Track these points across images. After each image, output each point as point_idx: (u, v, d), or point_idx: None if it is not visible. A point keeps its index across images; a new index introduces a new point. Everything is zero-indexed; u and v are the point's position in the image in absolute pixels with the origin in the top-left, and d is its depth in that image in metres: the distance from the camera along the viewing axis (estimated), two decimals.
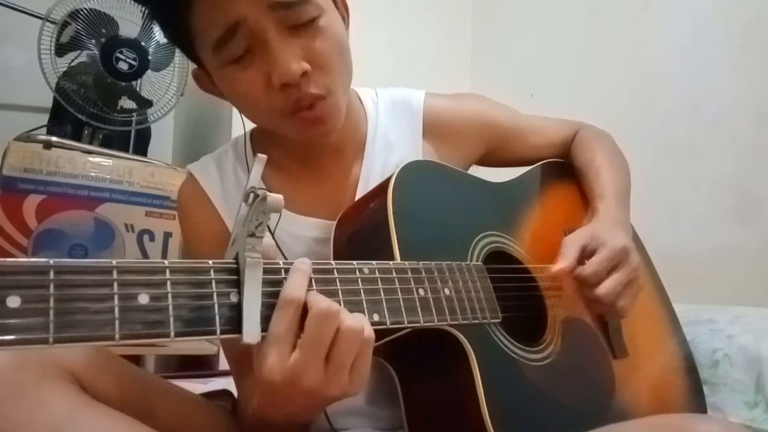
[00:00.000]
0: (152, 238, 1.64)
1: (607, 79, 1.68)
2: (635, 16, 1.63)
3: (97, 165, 1.61)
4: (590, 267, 0.73)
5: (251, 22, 0.65)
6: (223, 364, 1.53)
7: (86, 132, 1.78)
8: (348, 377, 0.52)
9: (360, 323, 0.52)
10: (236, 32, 0.65)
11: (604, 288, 0.73)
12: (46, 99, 1.84)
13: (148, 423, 0.61)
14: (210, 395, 0.82)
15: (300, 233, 0.78)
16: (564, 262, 0.73)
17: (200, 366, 1.64)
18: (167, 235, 1.66)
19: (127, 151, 1.82)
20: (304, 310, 0.50)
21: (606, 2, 1.73)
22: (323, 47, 0.68)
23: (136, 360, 1.50)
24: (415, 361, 0.67)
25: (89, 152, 1.63)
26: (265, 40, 0.66)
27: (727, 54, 1.40)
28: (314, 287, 0.52)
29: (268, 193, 0.48)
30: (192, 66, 0.79)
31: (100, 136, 1.80)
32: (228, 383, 0.85)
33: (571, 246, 0.75)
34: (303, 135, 0.73)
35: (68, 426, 0.55)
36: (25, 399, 0.55)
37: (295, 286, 0.50)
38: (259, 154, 0.51)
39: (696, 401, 0.92)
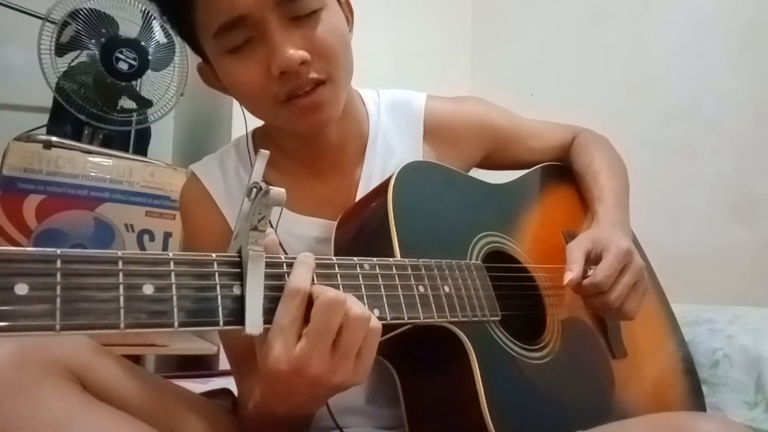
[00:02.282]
0: (152, 238, 1.64)
1: (607, 79, 1.68)
2: (635, 16, 1.63)
3: (97, 165, 1.61)
4: (600, 273, 0.72)
5: (255, 16, 0.66)
6: (223, 364, 1.53)
7: (86, 132, 1.78)
8: (353, 365, 0.53)
9: (367, 311, 0.52)
10: (239, 25, 0.66)
11: (616, 293, 0.72)
12: (46, 99, 1.84)
13: (149, 422, 0.61)
14: (210, 395, 0.82)
15: (301, 233, 0.78)
16: (573, 271, 0.72)
17: (200, 366, 1.64)
18: (167, 235, 1.66)
19: (127, 151, 1.82)
20: (309, 301, 0.51)
21: (606, 2, 1.73)
22: (324, 37, 0.69)
23: (137, 360, 1.50)
24: (415, 360, 0.67)
25: (89, 152, 1.63)
26: (266, 30, 0.66)
27: (727, 54, 1.40)
28: (316, 282, 0.53)
29: (270, 187, 0.48)
30: (193, 66, 0.79)
31: (100, 136, 1.80)
32: (228, 383, 0.85)
33: (576, 253, 0.74)
34: (299, 124, 0.73)
35: (67, 425, 0.56)
36: (25, 398, 0.55)
37: (300, 278, 0.51)
38: (262, 150, 0.52)
39: (695, 401, 0.92)
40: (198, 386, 1.05)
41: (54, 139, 1.59)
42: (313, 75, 0.68)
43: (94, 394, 0.60)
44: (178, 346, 1.62)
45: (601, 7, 1.74)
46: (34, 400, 0.55)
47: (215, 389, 0.85)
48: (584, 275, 0.73)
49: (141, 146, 1.95)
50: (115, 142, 1.82)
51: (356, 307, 0.52)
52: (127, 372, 0.67)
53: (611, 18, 1.71)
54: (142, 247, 1.63)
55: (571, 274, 0.72)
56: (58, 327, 0.40)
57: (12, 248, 0.40)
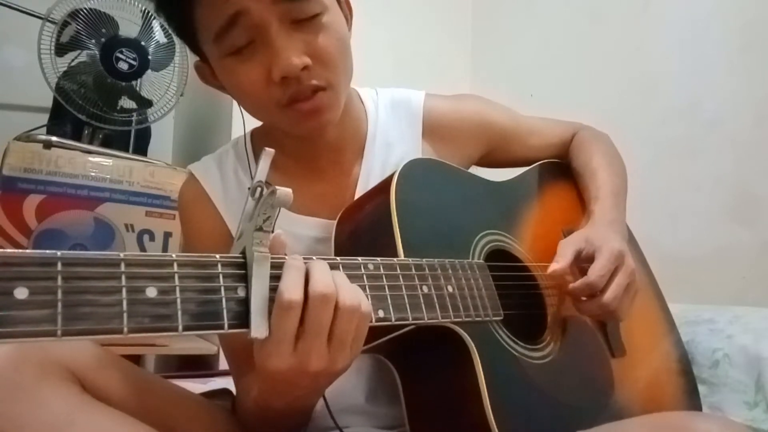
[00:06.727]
0: (152, 238, 1.64)
1: (607, 79, 1.68)
2: (635, 16, 1.63)
3: (97, 165, 1.61)
4: (594, 274, 0.72)
5: (254, 14, 0.65)
6: (223, 364, 1.52)
7: (86, 132, 1.78)
8: (350, 351, 0.52)
9: (357, 299, 0.51)
10: (237, 22, 0.66)
11: (609, 294, 0.72)
12: (46, 99, 1.84)
13: (149, 423, 0.61)
14: (210, 395, 0.82)
15: (300, 233, 0.78)
16: (559, 263, 0.73)
17: (200, 366, 1.64)
18: (167, 235, 1.66)
19: (127, 151, 1.82)
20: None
21: (606, 2, 1.73)
22: (325, 43, 0.69)
23: (137, 360, 1.50)
24: (417, 359, 0.67)
25: (89, 152, 1.63)
26: (267, 33, 0.66)
27: (727, 54, 1.40)
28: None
29: (277, 187, 0.47)
30: (193, 61, 0.79)
31: (100, 136, 1.80)
32: (228, 383, 0.85)
33: (566, 248, 0.75)
34: (299, 127, 0.73)
35: (68, 426, 0.56)
36: (25, 398, 0.55)
37: (292, 289, 0.48)
38: (267, 148, 0.51)
39: (692, 400, 0.92)
40: (198, 386, 1.05)
41: (54, 139, 1.59)
42: (314, 82, 0.69)
43: (93, 394, 0.61)
44: (178, 346, 1.62)
45: (601, 7, 1.74)
46: (33, 400, 0.56)
47: (215, 389, 0.85)
48: (575, 275, 0.73)
49: (141, 146, 1.95)
50: (115, 142, 1.82)
51: (346, 298, 0.51)
52: (127, 372, 0.67)
53: (611, 18, 1.71)
54: (142, 247, 1.63)
55: (555, 266, 0.72)
56: (59, 332, 0.38)
57: (11, 251, 0.39)
